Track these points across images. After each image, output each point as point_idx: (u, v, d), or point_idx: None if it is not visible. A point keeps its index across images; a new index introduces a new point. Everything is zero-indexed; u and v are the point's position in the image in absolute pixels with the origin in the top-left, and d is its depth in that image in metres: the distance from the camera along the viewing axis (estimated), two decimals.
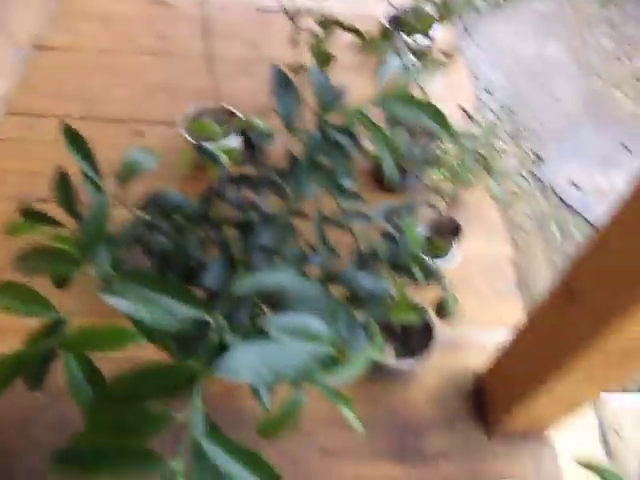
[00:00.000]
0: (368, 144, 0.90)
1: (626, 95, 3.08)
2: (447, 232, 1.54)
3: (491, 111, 2.77)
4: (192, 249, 0.86)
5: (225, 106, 1.75)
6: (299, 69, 1.50)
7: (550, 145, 2.77)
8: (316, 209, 0.97)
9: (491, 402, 1.34)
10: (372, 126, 0.82)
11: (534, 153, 2.73)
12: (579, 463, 1.04)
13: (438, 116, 0.79)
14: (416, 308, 0.88)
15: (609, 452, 1.58)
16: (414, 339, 1.32)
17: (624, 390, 1.68)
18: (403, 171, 1.64)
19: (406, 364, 1.26)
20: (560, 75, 3.07)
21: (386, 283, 0.88)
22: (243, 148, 1.02)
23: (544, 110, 3.28)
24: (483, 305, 1.55)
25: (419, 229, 1.55)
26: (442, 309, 1.01)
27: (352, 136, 0.88)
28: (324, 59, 1.42)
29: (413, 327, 1.34)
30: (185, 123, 1.66)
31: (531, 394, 1.14)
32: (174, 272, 0.85)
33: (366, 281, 0.83)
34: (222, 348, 0.64)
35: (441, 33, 1.80)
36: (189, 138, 1.63)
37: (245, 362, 0.58)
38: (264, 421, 0.79)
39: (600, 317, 0.90)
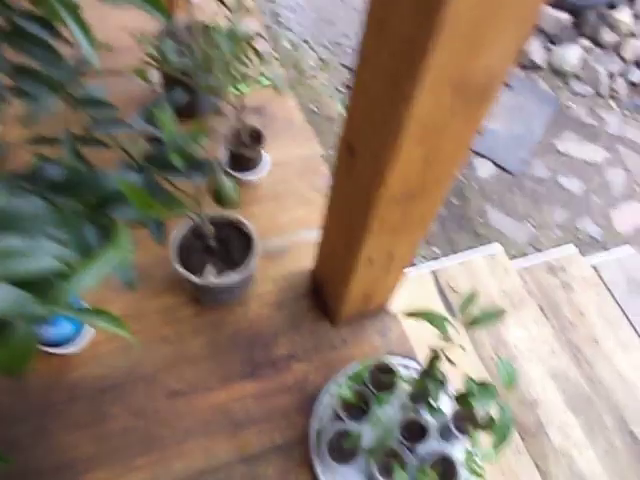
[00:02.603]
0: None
1: None
2: (252, 143, 1.44)
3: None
4: None
5: None
6: None
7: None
8: (65, 130, 0.81)
9: (327, 294, 1.31)
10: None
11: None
12: (404, 314, 1.03)
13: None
14: (156, 204, 0.76)
15: (450, 308, 1.64)
16: (236, 253, 1.23)
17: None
18: (191, 92, 1.50)
19: (229, 279, 1.17)
20: None
21: (133, 178, 0.76)
22: None
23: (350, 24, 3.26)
24: (307, 205, 1.49)
25: (221, 148, 1.44)
26: (220, 197, 0.91)
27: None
28: None
29: (232, 242, 1.24)
30: None
31: (352, 271, 1.10)
32: None
33: (109, 181, 0.70)
34: None
35: None
36: None
37: None
38: None
39: (376, 164, 0.86)
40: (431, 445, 1.11)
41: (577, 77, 3.13)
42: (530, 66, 3.14)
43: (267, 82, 1.22)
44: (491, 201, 2.62)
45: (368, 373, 1.15)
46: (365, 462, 1.07)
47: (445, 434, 1.17)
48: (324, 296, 1.33)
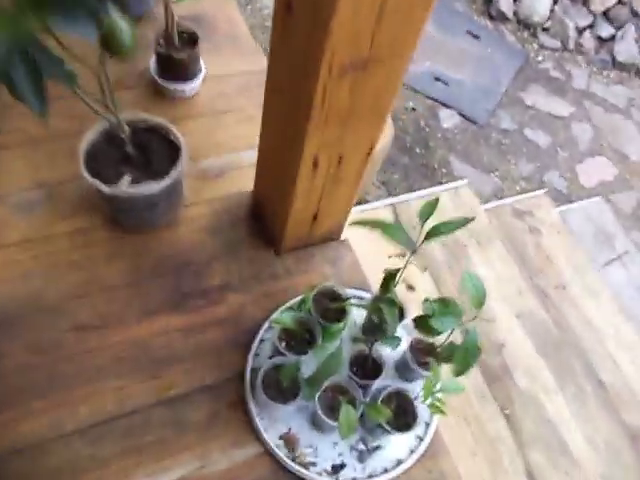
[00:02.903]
0: None
1: None
2: (183, 46, 1.23)
3: None
4: None
5: None
6: None
7: None
8: None
9: (269, 217, 1.13)
10: None
11: None
12: (353, 223, 0.86)
13: None
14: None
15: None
16: (159, 164, 1.02)
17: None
18: None
19: (146, 188, 0.97)
20: None
21: None
22: None
23: None
24: (249, 124, 1.29)
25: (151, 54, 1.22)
26: (109, 40, 0.70)
27: None
28: None
29: (155, 150, 1.04)
30: None
31: (295, 179, 0.92)
32: None
33: None
34: None
35: None
36: None
37: None
38: None
39: (317, 19, 0.68)
40: (386, 383, 0.95)
41: (545, 30, 3.01)
42: (498, 17, 3.00)
43: None
44: (455, 152, 2.47)
45: (313, 301, 0.98)
46: (307, 399, 0.90)
47: (402, 370, 1.01)
48: (266, 220, 1.15)
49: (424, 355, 0.98)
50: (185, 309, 1.04)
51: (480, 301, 0.81)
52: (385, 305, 0.86)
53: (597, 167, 2.60)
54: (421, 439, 0.98)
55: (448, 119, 2.58)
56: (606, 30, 2.98)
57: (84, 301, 1.02)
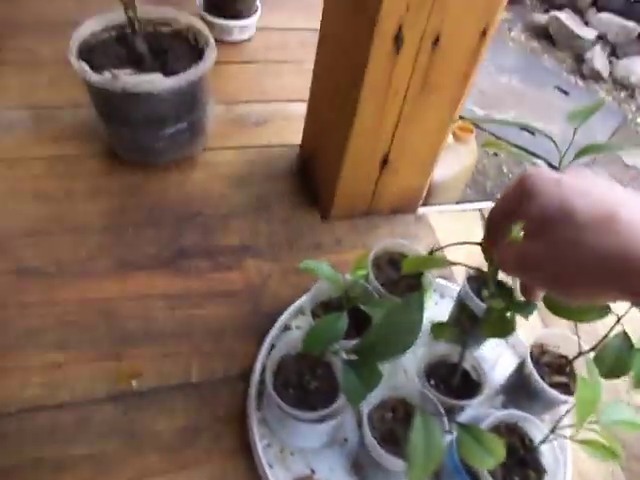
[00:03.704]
0: None
1: None
2: None
3: None
4: None
5: None
6: None
7: None
8: None
9: (319, 172, 0.79)
10: None
11: None
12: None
13: None
14: None
15: None
16: (177, 67, 0.73)
17: None
18: None
19: (148, 82, 0.67)
20: None
21: None
22: None
23: None
24: (303, 76, 1.00)
25: None
26: None
27: None
28: None
29: (175, 54, 0.75)
30: None
31: (363, 81, 0.60)
32: None
33: None
34: None
35: None
36: None
37: None
38: None
39: None
40: (487, 411, 0.55)
41: None
42: (591, 76, 2.71)
43: None
44: None
45: (374, 266, 0.61)
46: (346, 415, 0.51)
47: (515, 394, 0.60)
48: (315, 175, 0.81)
49: (553, 373, 0.57)
50: (179, 269, 0.69)
51: None
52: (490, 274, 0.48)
53: None
54: None
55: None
56: None
57: (39, 240, 0.69)
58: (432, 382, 0.56)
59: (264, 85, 0.98)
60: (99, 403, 0.57)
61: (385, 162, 0.72)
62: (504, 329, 0.49)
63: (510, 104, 2.46)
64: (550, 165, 2.27)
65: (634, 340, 0.48)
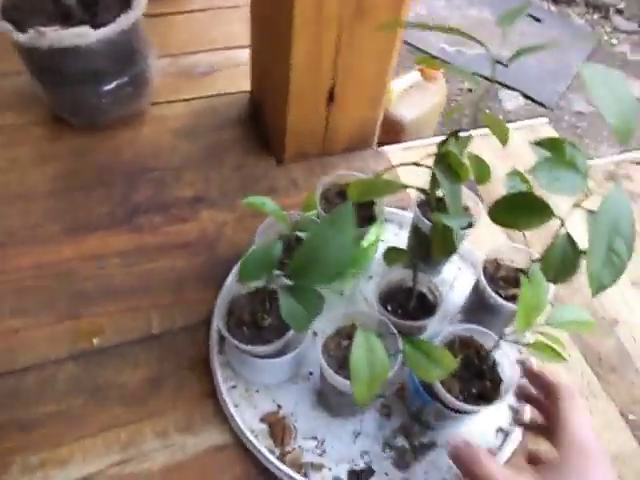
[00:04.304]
0: None
1: None
2: None
3: None
4: None
5: None
6: None
7: None
8: None
9: (269, 114, 0.77)
10: None
11: None
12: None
13: None
14: None
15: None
16: (108, 12, 0.70)
17: None
18: None
19: (78, 35, 0.64)
20: None
21: None
22: None
23: None
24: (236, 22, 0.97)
25: None
26: None
27: None
28: None
29: (107, 6, 0.72)
30: None
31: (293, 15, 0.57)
32: None
33: None
34: None
35: None
36: None
37: None
38: None
39: None
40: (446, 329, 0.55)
41: (619, 12, 2.61)
42: (563, 0, 2.63)
43: None
44: None
45: (323, 200, 0.59)
46: (296, 330, 0.51)
47: (472, 311, 0.60)
48: (266, 118, 0.79)
49: (510, 286, 0.57)
50: (133, 227, 0.68)
51: (628, 132, 0.41)
52: (441, 168, 0.47)
53: None
54: (506, 433, 0.55)
55: (511, 101, 2.19)
56: None
57: None
58: (389, 307, 0.56)
59: (212, 34, 0.94)
60: (61, 363, 0.57)
61: (331, 97, 0.70)
62: (447, 246, 0.48)
63: (482, 37, 2.40)
64: (527, 97, 2.23)
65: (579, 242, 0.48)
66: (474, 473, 0.39)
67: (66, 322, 0.60)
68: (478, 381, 0.49)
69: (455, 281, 0.67)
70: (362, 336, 0.40)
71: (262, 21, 0.72)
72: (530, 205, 0.47)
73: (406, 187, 0.51)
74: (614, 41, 2.54)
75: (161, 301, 0.63)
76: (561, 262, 0.47)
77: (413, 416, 0.55)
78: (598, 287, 0.39)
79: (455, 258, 0.69)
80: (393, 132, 1.43)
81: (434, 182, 0.48)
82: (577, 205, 0.46)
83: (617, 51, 2.50)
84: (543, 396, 0.47)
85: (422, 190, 0.51)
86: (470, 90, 2.19)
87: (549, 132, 1.26)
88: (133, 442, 0.53)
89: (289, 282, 0.41)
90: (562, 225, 0.49)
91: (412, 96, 1.54)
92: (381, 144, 0.83)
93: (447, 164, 0.49)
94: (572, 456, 0.39)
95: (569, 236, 0.48)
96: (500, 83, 2.23)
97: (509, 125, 1.29)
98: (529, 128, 1.26)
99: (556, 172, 0.43)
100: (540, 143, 0.45)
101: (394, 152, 0.83)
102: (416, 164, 0.51)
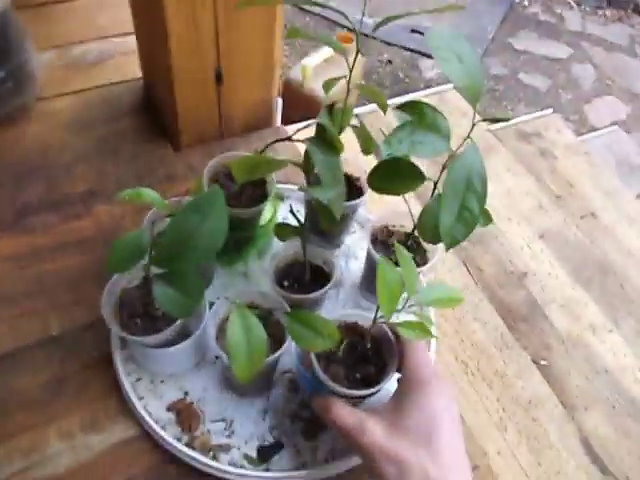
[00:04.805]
0: None
1: None
2: None
3: None
4: None
5: None
6: None
7: None
8: None
9: (161, 99, 0.75)
10: None
11: None
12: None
13: None
14: None
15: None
16: None
17: None
18: None
19: None
20: None
21: None
22: None
23: None
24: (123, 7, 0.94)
25: None
26: None
27: None
28: None
29: None
30: None
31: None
32: None
33: None
34: None
35: None
36: None
37: None
38: None
39: None
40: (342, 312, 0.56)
41: None
42: None
43: None
44: None
45: (214, 182, 0.59)
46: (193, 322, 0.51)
47: (368, 282, 0.62)
48: (158, 104, 0.77)
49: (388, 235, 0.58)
50: (24, 229, 0.66)
51: (477, 87, 0.42)
52: (315, 143, 0.48)
53: (607, 106, 2.23)
54: None
55: (431, 70, 2.23)
56: None
57: None
58: (286, 283, 0.56)
59: (97, 21, 0.91)
60: None
61: (219, 79, 0.69)
62: (330, 218, 0.49)
63: (399, 8, 2.41)
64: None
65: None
66: (329, 420, 0.42)
67: None
68: (362, 366, 0.48)
69: (361, 251, 0.69)
70: (238, 315, 0.41)
71: (139, 6, 0.70)
72: (403, 170, 0.49)
73: (288, 163, 0.52)
74: (525, 3, 2.61)
75: (59, 301, 0.61)
76: (434, 222, 0.49)
77: (308, 402, 0.55)
78: (451, 242, 0.40)
79: (357, 228, 0.70)
80: (310, 109, 1.43)
81: (307, 156, 0.49)
82: (444, 167, 0.48)
83: (529, 12, 2.58)
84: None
85: (298, 164, 0.52)
86: (390, 62, 2.21)
87: (456, 97, 1.30)
88: (36, 447, 0.52)
89: (159, 270, 0.41)
90: (435, 186, 0.51)
91: (327, 71, 1.54)
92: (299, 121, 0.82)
93: (322, 138, 0.49)
94: (410, 391, 0.42)
95: (440, 196, 0.49)
96: (419, 52, 2.26)
97: (419, 93, 1.31)
98: (437, 95, 1.28)
99: (417, 136, 0.44)
100: (401, 107, 0.46)
101: (296, 129, 0.83)
102: (289, 139, 0.51)
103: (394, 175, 0.49)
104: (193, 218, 0.38)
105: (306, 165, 0.49)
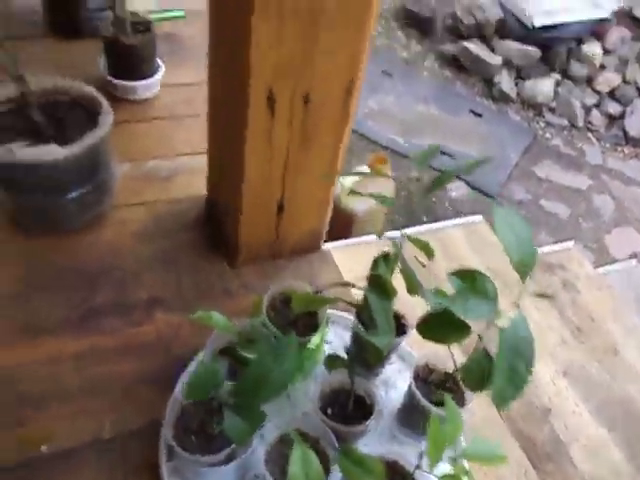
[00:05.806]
0: None
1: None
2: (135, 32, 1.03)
3: None
4: None
5: None
6: None
7: None
8: None
9: (223, 220, 0.83)
10: None
11: None
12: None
13: None
14: None
15: None
16: (75, 135, 0.76)
17: None
18: None
19: (46, 152, 0.69)
20: None
21: None
22: None
23: None
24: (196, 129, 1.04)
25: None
26: None
27: None
28: None
29: (73, 124, 0.78)
30: None
31: (245, 138, 0.65)
32: None
33: None
34: None
35: None
36: None
37: None
38: None
39: None
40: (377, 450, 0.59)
41: (551, 110, 2.89)
42: (501, 98, 2.90)
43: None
44: None
45: (271, 308, 0.65)
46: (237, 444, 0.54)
47: (406, 415, 0.65)
48: (220, 225, 0.85)
49: (441, 390, 0.62)
50: (89, 330, 0.71)
51: (528, 264, 0.48)
52: (372, 290, 0.54)
53: (627, 237, 2.30)
54: None
55: (456, 190, 2.35)
56: (614, 107, 2.85)
57: None
58: (330, 411, 0.60)
59: (172, 140, 1.02)
60: (10, 472, 0.58)
61: (281, 208, 0.77)
62: (379, 356, 0.54)
63: (429, 131, 2.60)
64: (471, 186, 2.40)
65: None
66: None
67: (15, 429, 0.61)
68: None
69: (398, 382, 0.73)
70: (299, 450, 0.44)
71: (219, 135, 0.80)
72: (450, 323, 0.54)
73: (340, 301, 0.58)
74: (548, 135, 2.79)
75: (114, 403, 0.65)
76: (479, 374, 0.53)
77: None
78: (501, 402, 0.45)
79: (395, 359, 0.74)
80: (344, 225, 1.52)
81: (366, 301, 0.54)
82: (489, 324, 0.53)
83: (552, 144, 2.75)
84: None
85: (354, 305, 0.57)
86: (418, 180, 2.35)
87: (484, 229, 1.38)
88: None
89: (233, 399, 0.45)
90: (480, 339, 0.56)
91: (361, 190, 1.64)
92: (333, 237, 0.90)
93: (377, 284, 0.55)
94: None
95: (485, 351, 0.54)
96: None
97: (452, 222, 1.39)
98: (466, 226, 1.37)
99: (470, 302, 0.50)
100: (456, 274, 0.53)
101: (339, 250, 0.91)
102: (351, 285, 0.57)
103: (444, 327, 0.54)
104: (269, 360, 0.43)
105: (362, 308, 0.55)
